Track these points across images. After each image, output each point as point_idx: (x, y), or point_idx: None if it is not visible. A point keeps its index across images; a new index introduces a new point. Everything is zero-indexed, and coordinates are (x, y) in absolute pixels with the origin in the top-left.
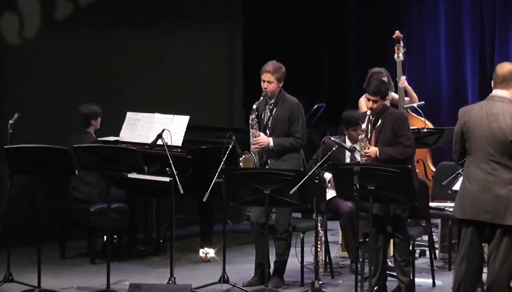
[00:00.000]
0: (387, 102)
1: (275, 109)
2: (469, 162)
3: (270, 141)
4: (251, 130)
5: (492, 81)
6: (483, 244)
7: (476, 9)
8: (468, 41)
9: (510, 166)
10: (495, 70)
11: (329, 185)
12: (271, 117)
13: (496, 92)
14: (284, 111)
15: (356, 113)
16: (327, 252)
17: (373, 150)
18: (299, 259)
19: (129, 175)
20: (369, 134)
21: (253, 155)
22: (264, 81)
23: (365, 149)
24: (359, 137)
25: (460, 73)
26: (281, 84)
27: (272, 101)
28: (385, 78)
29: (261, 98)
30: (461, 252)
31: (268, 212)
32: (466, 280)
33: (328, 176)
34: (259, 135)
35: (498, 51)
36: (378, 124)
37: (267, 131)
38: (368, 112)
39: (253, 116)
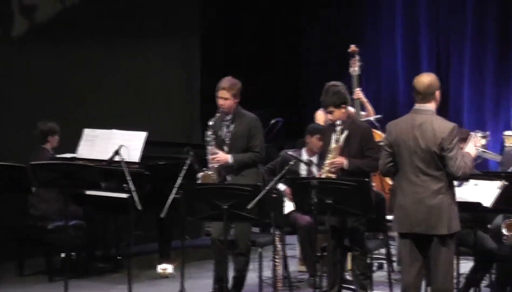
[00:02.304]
0: None
1: (233, 126)
2: (399, 176)
3: (229, 158)
4: (208, 147)
5: (414, 94)
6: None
7: (432, 22)
8: (424, 54)
9: (437, 176)
10: (414, 85)
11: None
12: (229, 134)
13: (419, 106)
14: (242, 127)
15: (321, 126)
16: (285, 266)
17: (341, 160)
18: (258, 274)
19: (87, 192)
20: (337, 144)
21: (211, 172)
22: (220, 98)
23: (335, 158)
24: (329, 147)
25: None
26: (237, 100)
27: (229, 117)
28: (338, 89)
29: (217, 115)
30: (405, 263)
31: (227, 227)
32: (413, 288)
33: (282, 187)
34: (217, 153)
35: (453, 64)
36: (344, 134)
37: (225, 147)
38: (338, 122)
39: (209, 133)
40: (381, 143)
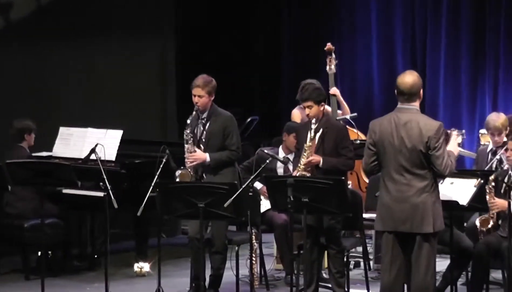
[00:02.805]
0: None
1: (208, 124)
2: (383, 174)
3: (207, 157)
4: (185, 145)
5: (396, 94)
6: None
7: (408, 20)
8: (399, 53)
9: (422, 174)
10: (397, 85)
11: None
12: (204, 132)
13: (404, 105)
14: (217, 126)
15: (298, 124)
16: (262, 264)
17: (317, 158)
18: (234, 272)
19: (63, 190)
20: (312, 142)
21: (189, 170)
22: (195, 95)
23: (309, 156)
24: (305, 145)
25: (392, 84)
26: (212, 98)
27: (205, 115)
28: (318, 86)
29: (194, 113)
30: (386, 261)
31: (203, 225)
32: (394, 288)
33: (259, 185)
34: (195, 151)
35: (429, 62)
36: (319, 133)
37: (201, 146)
38: (313, 120)
39: (188, 131)
40: (358, 142)
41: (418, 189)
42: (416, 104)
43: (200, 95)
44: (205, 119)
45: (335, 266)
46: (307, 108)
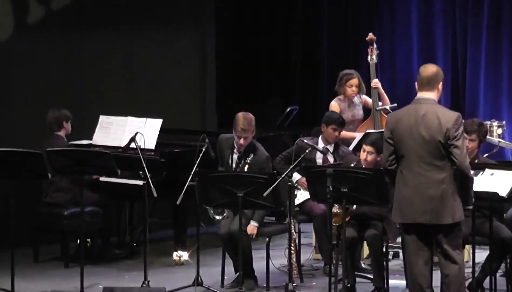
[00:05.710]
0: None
1: (244, 158)
2: (402, 167)
3: (254, 228)
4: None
5: (417, 84)
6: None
7: (448, 11)
8: (440, 44)
9: (441, 166)
10: (419, 73)
11: (296, 185)
12: (240, 166)
13: (422, 94)
14: (254, 163)
15: (337, 115)
16: (298, 256)
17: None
18: (271, 262)
19: (102, 178)
20: None
21: None
22: (240, 137)
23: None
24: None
25: None
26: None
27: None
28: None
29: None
30: (411, 253)
31: (242, 215)
32: (423, 276)
33: (296, 176)
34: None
35: (470, 53)
36: None
37: None
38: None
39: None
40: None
41: (437, 181)
42: (433, 95)
43: (247, 136)
44: (242, 152)
45: (375, 254)
46: (367, 152)
